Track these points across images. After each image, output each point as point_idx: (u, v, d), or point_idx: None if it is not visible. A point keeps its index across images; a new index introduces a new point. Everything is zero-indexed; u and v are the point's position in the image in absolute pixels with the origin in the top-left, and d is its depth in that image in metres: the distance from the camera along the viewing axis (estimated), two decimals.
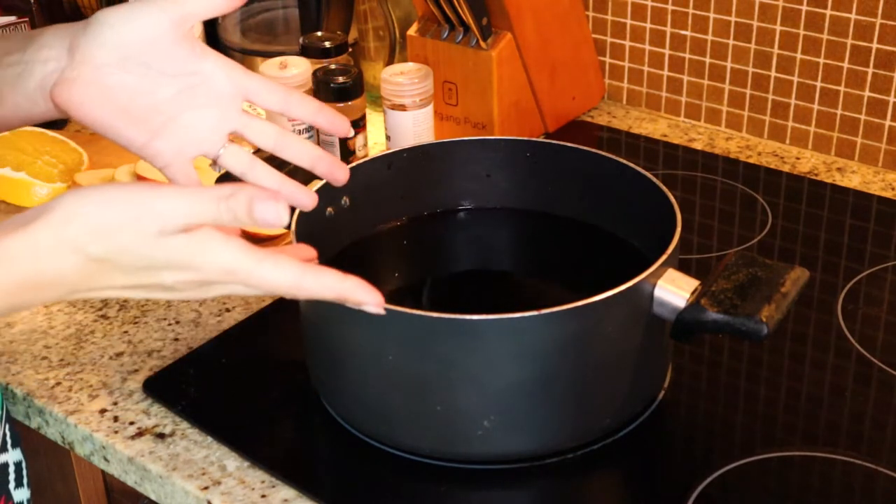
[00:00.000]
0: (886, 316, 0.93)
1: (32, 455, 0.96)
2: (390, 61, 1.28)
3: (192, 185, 0.69)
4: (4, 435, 0.78)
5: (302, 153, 0.73)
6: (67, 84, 0.67)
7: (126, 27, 0.67)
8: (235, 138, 0.72)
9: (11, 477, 0.78)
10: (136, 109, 0.68)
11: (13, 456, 0.78)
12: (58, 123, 1.27)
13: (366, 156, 1.09)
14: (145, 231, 0.57)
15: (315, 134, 1.12)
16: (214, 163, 0.72)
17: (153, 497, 0.81)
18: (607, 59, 1.31)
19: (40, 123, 1.21)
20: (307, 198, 0.73)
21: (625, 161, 0.87)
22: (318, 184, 0.85)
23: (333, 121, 0.74)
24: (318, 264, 0.63)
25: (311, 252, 0.68)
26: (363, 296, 0.63)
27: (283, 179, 0.73)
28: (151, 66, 0.68)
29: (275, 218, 0.57)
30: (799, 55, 1.17)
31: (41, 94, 0.69)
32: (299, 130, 1.11)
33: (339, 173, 0.75)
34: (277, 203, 0.57)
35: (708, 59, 1.24)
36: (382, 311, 0.64)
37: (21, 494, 0.79)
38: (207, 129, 0.71)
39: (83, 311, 0.96)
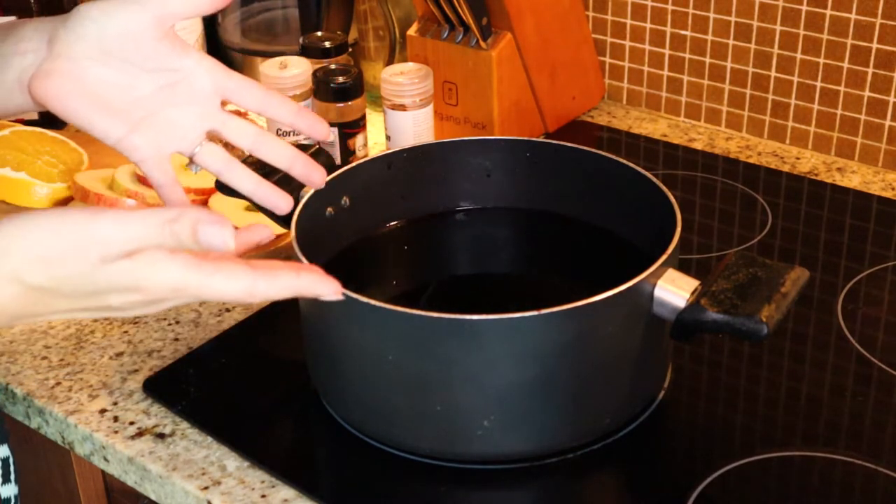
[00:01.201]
0: (886, 316, 0.93)
1: (33, 455, 0.96)
2: (390, 61, 1.28)
3: (169, 181, 0.70)
4: None
5: (279, 154, 0.73)
6: (44, 76, 0.67)
7: (107, 21, 0.67)
8: (214, 138, 0.72)
9: None
10: (114, 103, 0.68)
11: (1, 452, 0.78)
12: (57, 123, 1.27)
13: (366, 156, 1.09)
14: (87, 259, 0.57)
15: None
16: (191, 161, 0.72)
17: (153, 497, 0.81)
18: (607, 59, 1.31)
19: (40, 123, 1.21)
20: (282, 201, 0.73)
21: (625, 161, 0.87)
22: None
23: (313, 124, 0.74)
24: (275, 239, 0.64)
25: (265, 232, 0.66)
26: (319, 288, 0.63)
27: (259, 182, 0.73)
28: (131, 62, 0.68)
29: (220, 242, 0.56)
30: (799, 55, 1.17)
31: (18, 87, 0.68)
32: None
33: (314, 176, 0.75)
34: (223, 227, 0.56)
35: (708, 59, 1.24)
36: (340, 297, 0.64)
37: (8, 490, 0.78)
38: (185, 127, 0.71)
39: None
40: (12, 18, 1.23)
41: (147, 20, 0.67)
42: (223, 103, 0.73)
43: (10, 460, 0.79)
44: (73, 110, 0.67)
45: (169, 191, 0.71)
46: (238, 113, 1.11)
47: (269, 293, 0.60)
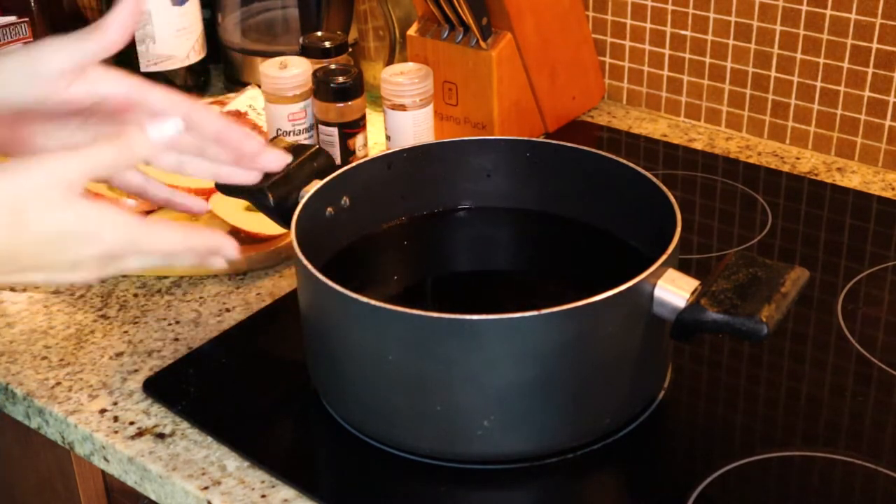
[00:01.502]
0: (886, 316, 0.93)
1: (33, 455, 0.96)
2: (390, 61, 1.28)
3: (142, 181, 0.76)
4: None
5: (204, 171, 0.77)
6: None
7: (6, 92, 0.69)
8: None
9: None
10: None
11: None
12: None
13: (366, 156, 1.09)
14: (52, 195, 0.60)
15: (315, 134, 1.12)
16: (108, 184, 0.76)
17: (153, 497, 0.81)
18: (607, 59, 1.31)
19: None
20: (197, 205, 0.79)
21: (625, 161, 0.87)
22: (317, 184, 0.85)
23: (242, 139, 0.77)
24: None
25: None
26: (221, 244, 0.70)
27: (172, 192, 0.79)
28: (51, 116, 0.71)
29: (172, 129, 0.62)
30: (799, 55, 1.17)
31: None
32: (300, 130, 1.11)
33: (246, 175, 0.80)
34: (164, 120, 0.62)
35: (708, 59, 1.24)
36: (238, 255, 0.70)
37: None
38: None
39: (83, 311, 0.96)
40: (12, 18, 1.23)
41: (44, 85, 0.69)
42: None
43: None
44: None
45: (153, 189, 0.77)
46: (237, 114, 1.11)
47: (196, 241, 0.67)
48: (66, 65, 0.68)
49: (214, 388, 0.86)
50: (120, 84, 0.72)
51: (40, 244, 0.61)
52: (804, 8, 1.14)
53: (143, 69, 1.31)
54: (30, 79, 0.68)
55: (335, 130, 1.10)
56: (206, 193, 1.03)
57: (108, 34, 0.69)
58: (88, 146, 0.62)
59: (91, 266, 0.63)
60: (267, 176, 0.84)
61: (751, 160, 1.19)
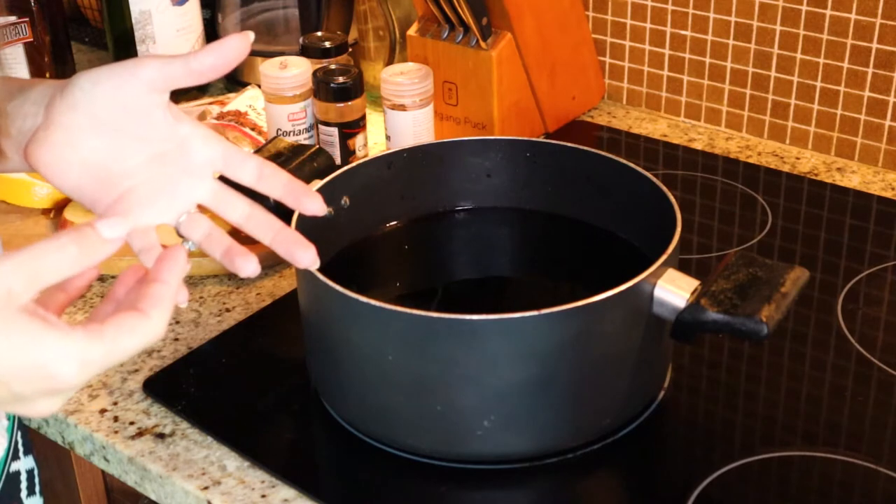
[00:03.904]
0: (886, 316, 0.93)
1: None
2: (390, 61, 1.28)
3: (148, 246, 0.67)
4: (16, 442, 0.77)
5: (266, 230, 0.71)
6: (38, 144, 0.65)
7: (97, 91, 0.65)
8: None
9: (24, 485, 0.77)
10: (103, 173, 0.66)
11: (25, 464, 0.78)
12: None
13: (366, 156, 1.09)
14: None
15: (315, 134, 1.12)
16: (178, 233, 0.70)
17: (153, 497, 0.81)
18: (607, 59, 1.31)
19: None
20: (303, 252, 0.70)
21: (625, 161, 0.87)
22: (317, 184, 0.85)
23: (302, 199, 0.71)
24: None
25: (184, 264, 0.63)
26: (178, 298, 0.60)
27: (231, 244, 0.71)
28: (123, 131, 0.66)
29: (123, 226, 0.55)
30: (799, 55, 1.17)
31: (16, 148, 0.67)
32: (300, 130, 1.11)
33: (300, 254, 0.70)
34: (111, 219, 0.54)
35: (708, 59, 1.24)
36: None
37: (33, 503, 0.78)
38: (173, 197, 0.68)
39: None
40: (12, 18, 1.23)
41: (138, 89, 0.65)
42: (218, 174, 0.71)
43: (36, 472, 0.79)
44: (64, 182, 0.66)
45: (147, 256, 0.67)
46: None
47: (163, 321, 0.56)
48: (154, 74, 0.64)
49: (214, 388, 0.86)
50: (195, 131, 0.68)
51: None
52: (804, 8, 1.14)
53: None
54: (118, 88, 0.64)
55: (335, 130, 1.10)
56: None
57: (198, 60, 0.64)
58: (27, 252, 0.51)
59: (46, 400, 0.53)
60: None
61: (751, 160, 1.19)
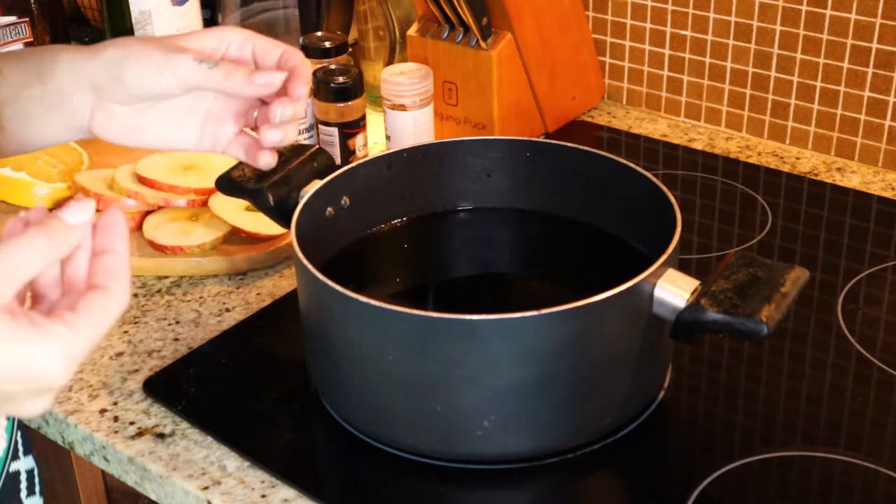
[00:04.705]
0: (886, 316, 0.93)
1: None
2: (390, 61, 1.28)
3: (251, 141, 0.77)
4: (16, 442, 0.77)
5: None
6: (106, 120, 0.73)
7: (145, 88, 0.72)
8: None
9: (23, 485, 0.77)
10: (174, 123, 0.75)
11: (25, 464, 0.78)
12: None
13: (366, 156, 1.09)
14: None
15: (315, 134, 1.12)
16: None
17: (153, 497, 0.81)
18: (607, 59, 1.31)
19: None
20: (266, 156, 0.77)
21: (625, 161, 0.87)
22: (317, 184, 0.85)
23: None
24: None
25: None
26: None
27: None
28: (174, 99, 0.74)
29: (89, 209, 0.55)
30: (799, 55, 1.17)
31: (76, 124, 0.74)
32: (300, 130, 1.11)
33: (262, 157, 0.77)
34: (78, 204, 0.55)
35: (708, 59, 1.24)
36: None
37: (33, 503, 0.78)
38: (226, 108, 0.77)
39: None
40: (13, 18, 1.23)
41: (178, 87, 0.72)
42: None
43: (36, 472, 0.79)
44: (141, 143, 0.75)
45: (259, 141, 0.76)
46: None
47: (126, 289, 0.56)
48: (189, 80, 0.71)
49: (214, 388, 0.86)
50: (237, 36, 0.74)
51: None
52: (804, 8, 1.14)
53: None
54: (161, 71, 0.71)
55: (335, 130, 1.10)
56: (206, 193, 1.03)
57: (238, 78, 0.71)
58: (3, 246, 0.52)
59: (36, 399, 0.53)
60: (267, 176, 0.84)
61: (751, 160, 1.19)
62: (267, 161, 0.76)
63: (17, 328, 0.51)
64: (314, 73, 1.09)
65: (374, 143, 1.21)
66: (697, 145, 1.23)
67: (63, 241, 0.54)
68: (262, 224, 0.99)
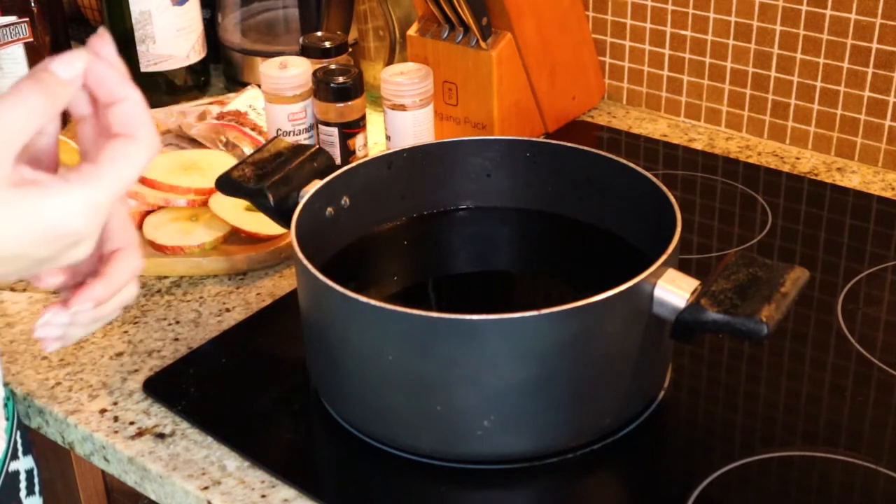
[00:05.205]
0: (886, 316, 0.93)
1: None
2: (390, 61, 1.28)
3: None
4: (15, 442, 0.77)
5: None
6: None
7: None
8: None
9: (23, 485, 0.77)
10: None
11: (25, 463, 0.78)
12: None
13: (366, 156, 1.09)
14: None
15: (315, 134, 1.12)
16: None
17: (153, 497, 0.81)
18: (607, 59, 1.31)
19: None
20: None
21: (625, 161, 0.87)
22: (317, 184, 0.85)
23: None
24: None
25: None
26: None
27: None
28: None
29: (81, 62, 0.52)
30: (799, 55, 1.17)
31: None
32: (300, 130, 1.11)
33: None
34: (70, 57, 0.52)
35: (708, 59, 1.24)
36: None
37: (33, 503, 0.78)
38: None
39: None
40: (13, 18, 1.23)
41: None
42: None
43: (35, 472, 0.79)
44: None
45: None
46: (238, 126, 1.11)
47: (152, 133, 0.55)
48: None
49: (214, 388, 0.86)
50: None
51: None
52: (804, 8, 1.14)
53: (143, 69, 1.31)
54: None
55: (335, 130, 1.10)
56: (206, 193, 1.03)
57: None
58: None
59: (73, 251, 0.52)
60: (267, 176, 0.84)
61: (751, 160, 1.19)
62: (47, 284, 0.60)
63: (29, 195, 0.50)
64: (314, 73, 1.09)
65: (374, 143, 1.20)
66: (697, 145, 1.23)
67: (56, 97, 0.52)
68: (262, 224, 0.99)
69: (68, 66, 0.52)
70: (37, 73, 0.52)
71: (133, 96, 0.54)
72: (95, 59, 0.53)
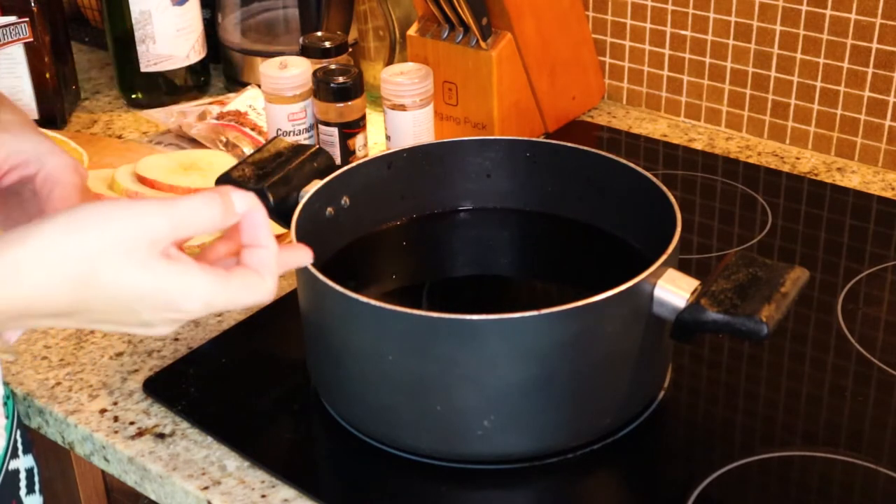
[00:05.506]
0: (886, 316, 0.93)
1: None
2: (390, 61, 1.28)
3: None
4: (15, 441, 0.77)
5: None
6: None
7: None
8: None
9: (23, 483, 0.78)
10: None
11: (25, 462, 0.78)
12: (57, 123, 1.27)
13: (366, 156, 1.09)
14: (131, 252, 0.56)
15: (315, 134, 1.12)
16: None
17: (153, 497, 0.81)
18: (607, 59, 1.31)
19: (40, 123, 1.21)
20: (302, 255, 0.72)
21: (625, 161, 0.87)
22: (317, 184, 0.85)
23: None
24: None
25: (307, 254, 0.69)
26: (300, 258, 0.68)
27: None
28: None
29: (254, 199, 0.61)
30: (799, 55, 1.17)
31: None
32: (300, 130, 1.11)
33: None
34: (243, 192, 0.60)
35: (708, 59, 1.24)
36: (311, 260, 0.68)
37: (32, 501, 0.79)
38: None
39: None
40: (13, 18, 1.23)
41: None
42: None
43: (35, 471, 0.79)
44: None
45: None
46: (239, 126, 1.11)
47: (275, 283, 0.62)
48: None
49: (214, 388, 0.86)
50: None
51: (110, 302, 0.56)
52: (804, 8, 1.14)
53: (143, 69, 1.31)
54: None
55: (335, 130, 1.10)
56: None
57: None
58: (178, 201, 0.57)
59: (166, 326, 0.59)
60: (267, 176, 0.84)
61: (751, 160, 1.19)
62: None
63: (171, 269, 0.56)
64: (314, 73, 1.09)
65: (374, 143, 1.20)
66: (697, 145, 1.23)
67: (225, 222, 0.59)
68: None
69: (242, 201, 0.60)
70: (225, 192, 0.59)
71: (273, 247, 0.62)
72: (260, 207, 0.62)
